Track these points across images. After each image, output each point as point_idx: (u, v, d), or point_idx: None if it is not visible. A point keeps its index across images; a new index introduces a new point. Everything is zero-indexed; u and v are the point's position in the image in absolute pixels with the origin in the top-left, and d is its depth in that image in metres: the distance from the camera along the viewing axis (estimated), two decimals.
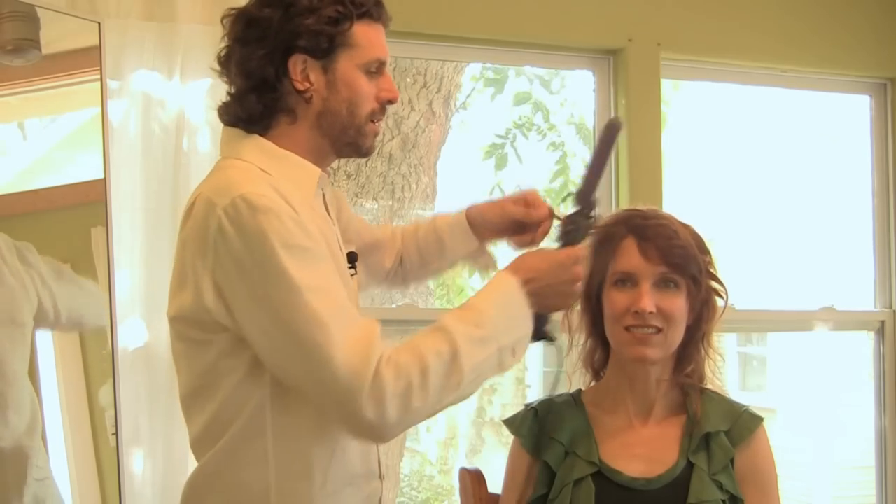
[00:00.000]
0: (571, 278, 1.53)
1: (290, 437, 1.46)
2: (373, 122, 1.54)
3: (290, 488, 1.47)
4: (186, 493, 1.53)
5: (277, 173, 1.46)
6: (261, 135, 1.51)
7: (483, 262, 1.84)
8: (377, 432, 1.39)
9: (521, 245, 1.74)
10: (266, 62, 1.47)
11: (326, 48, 1.48)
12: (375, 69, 1.53)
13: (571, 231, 1.58)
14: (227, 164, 1.51)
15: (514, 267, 1.52)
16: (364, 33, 1.51)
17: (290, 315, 1.36)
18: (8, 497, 2.04)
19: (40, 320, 2.11)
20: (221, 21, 1.53)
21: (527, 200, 1.72)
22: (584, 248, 1.58)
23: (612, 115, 2.88)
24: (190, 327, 1.46)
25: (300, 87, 1.48)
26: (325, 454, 1.48)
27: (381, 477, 1.63)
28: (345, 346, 1.35)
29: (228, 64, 1.52)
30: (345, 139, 1.53)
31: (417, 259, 1.84)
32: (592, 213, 1.59)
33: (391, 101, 1.56)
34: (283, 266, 1.36)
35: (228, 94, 1.54)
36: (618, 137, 1.64)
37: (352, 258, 1.60)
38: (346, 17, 1.48)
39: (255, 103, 1.49)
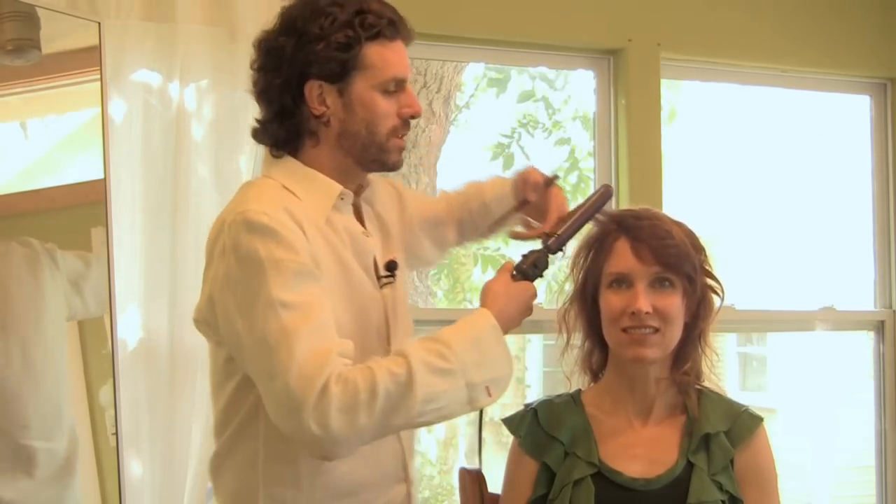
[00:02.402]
0: (528, 311, 1.58)
1: (279, 444, 1.50)
2: (397, 137, 1.58)
3: (278, 493, 1.52)
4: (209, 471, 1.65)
5: (299, 191, 1.54)
6: (292, 155, 1.59)
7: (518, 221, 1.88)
8: (321, 446, 1.39)
9: (523, 220, 1.84)
10: (283, 90, 1.54)
11: (339, 72, 1.52)
12: (394, 87, 1.56)
13: (531, 269, 1.60)
14: (254, 182, 1.63)
15: (490, 303, 1.54)
16: (378, 54, 1.54)
17: (261, 327, 1.40)
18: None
19: (71, 317, 2.21)
20: (253, 46, 1.60)
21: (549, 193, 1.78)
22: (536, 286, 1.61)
23: (612, 117, 2.88)
24: (208, 329, 1.55)
25: (317, 112, 1.54)
26: (313, 464, 1.50)
27: (406, 480, 1.65)
28: (302, 359, 1.37)
29: (256, 90, 1.59)
30: (368, 157, 1.58)
31: (472, 230, 1.93)
32: (555, 257, 1.63)
33: (413, 117, 1.59)
34: (266, 282, 1.41)
35: (256, 119, 1.61)
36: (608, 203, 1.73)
37: (390, 266, 1.64)
38: (357, 41, 1.52)
39: (279, 129, 1.57)
